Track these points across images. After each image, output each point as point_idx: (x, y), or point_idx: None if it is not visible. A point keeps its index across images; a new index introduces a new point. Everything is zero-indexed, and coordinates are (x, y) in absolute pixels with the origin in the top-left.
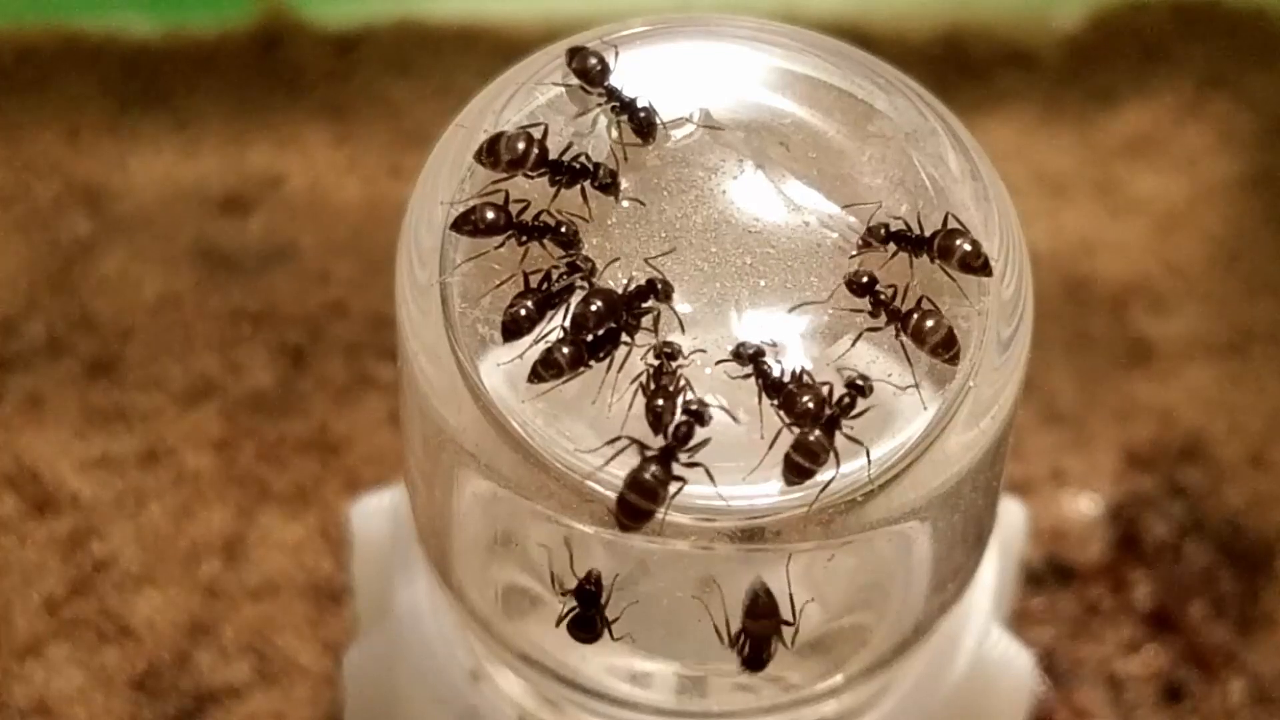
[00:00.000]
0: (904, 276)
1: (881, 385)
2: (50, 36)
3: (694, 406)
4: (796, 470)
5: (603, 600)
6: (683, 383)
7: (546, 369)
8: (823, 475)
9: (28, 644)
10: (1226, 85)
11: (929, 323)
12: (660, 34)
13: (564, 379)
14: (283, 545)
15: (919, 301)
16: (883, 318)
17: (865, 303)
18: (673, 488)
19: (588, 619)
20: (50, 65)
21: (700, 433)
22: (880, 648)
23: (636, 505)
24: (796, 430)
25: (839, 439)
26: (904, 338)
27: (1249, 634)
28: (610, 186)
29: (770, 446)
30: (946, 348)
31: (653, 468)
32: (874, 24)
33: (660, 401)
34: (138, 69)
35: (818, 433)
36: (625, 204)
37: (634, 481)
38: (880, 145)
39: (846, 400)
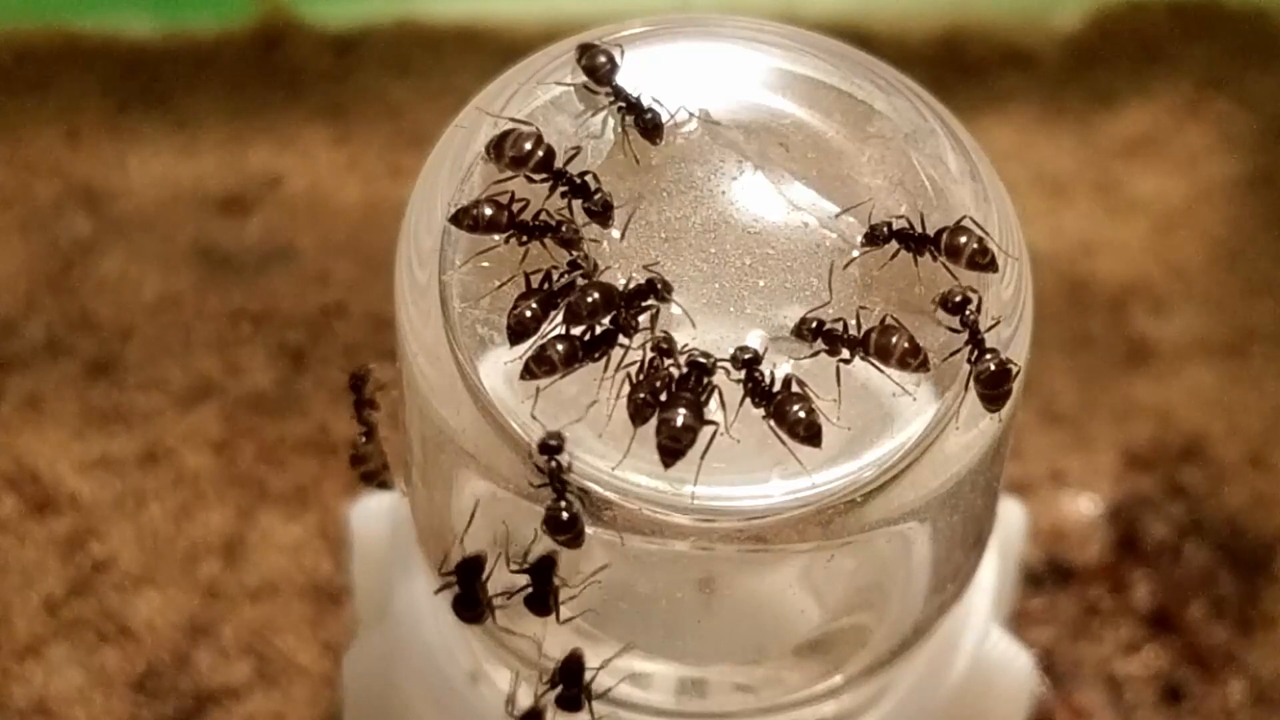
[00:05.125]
0: (906, 276)
1: (880, 386)
2: (50, 36)
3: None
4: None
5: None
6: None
7: (540, 365)
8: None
9: (27, 644)
10: (1226, 85)
11: (892, 339)
12: (660, 34)
13: (557, 376)
14: (282, 546)
15: (869, 324)
16: (844, 351)
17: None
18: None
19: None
20: (50, 65)
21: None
22: (880, 648)
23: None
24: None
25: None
26: (871, 360)
27: (1249, 634)
28: (600, 215)
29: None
30: (913, 356)
31: None
32: (874, 24)
33: (642, 394)
34: (137, 69)
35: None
36: (616, 234)
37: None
38: (880, 146)
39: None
